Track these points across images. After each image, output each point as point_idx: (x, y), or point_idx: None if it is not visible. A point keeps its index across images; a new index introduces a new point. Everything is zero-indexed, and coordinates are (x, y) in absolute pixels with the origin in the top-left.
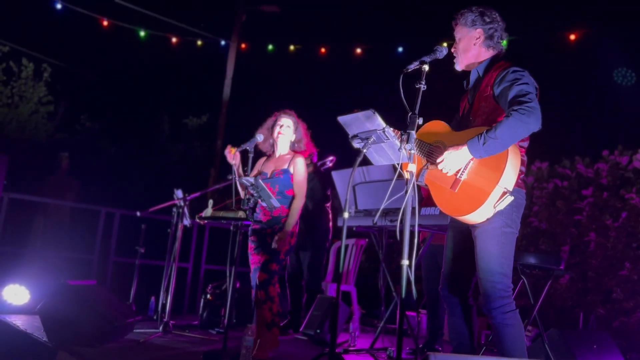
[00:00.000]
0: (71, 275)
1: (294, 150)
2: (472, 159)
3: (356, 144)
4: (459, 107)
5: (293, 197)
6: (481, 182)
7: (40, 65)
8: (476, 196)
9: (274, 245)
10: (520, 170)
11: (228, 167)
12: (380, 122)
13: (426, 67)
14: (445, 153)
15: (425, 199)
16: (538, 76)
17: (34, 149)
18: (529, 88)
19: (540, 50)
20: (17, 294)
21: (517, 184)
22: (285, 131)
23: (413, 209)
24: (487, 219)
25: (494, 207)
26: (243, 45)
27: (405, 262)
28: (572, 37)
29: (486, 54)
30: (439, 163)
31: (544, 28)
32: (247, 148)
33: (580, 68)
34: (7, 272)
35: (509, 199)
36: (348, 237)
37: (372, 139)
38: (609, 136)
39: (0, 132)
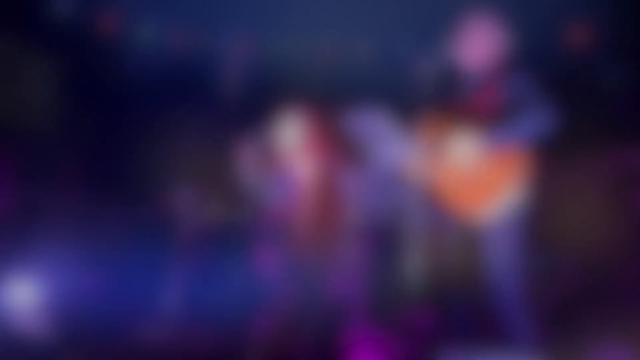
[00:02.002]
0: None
1: None
2: (481, 155)
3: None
4: (455, 106)
5: None
6: (492, 179)
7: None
8: (487, 193)
9: None
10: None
11: None
12: (385, 120)
13: (432, 66)
14: (454, 145)
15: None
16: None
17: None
18: (537, 87)
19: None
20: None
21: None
22: None
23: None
24: (498, 216)
25: (503, 204)
26: None
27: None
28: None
29: (494, 55)
30: (445, 157)
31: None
32: None
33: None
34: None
35: (520, 196)
36: None
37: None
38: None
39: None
